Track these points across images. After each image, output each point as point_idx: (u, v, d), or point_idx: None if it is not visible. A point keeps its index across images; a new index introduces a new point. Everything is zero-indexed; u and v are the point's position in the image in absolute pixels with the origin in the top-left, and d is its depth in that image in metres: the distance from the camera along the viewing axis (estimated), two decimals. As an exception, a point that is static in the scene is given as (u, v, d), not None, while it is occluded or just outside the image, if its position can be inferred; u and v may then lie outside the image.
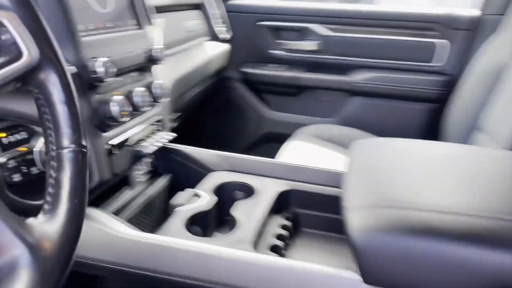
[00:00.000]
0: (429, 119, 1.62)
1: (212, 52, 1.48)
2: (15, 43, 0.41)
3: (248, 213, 0.81)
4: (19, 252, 0.36)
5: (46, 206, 0.41)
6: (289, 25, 1.69)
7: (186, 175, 0.98)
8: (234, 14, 1.69)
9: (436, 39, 1.58)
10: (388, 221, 0.57)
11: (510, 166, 0.75)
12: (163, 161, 0.99)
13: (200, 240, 0.72)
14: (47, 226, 0.39)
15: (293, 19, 1.69)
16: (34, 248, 0.37)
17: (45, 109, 0.43)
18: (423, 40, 1.60)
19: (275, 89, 1.77)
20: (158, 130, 0.95)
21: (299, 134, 1.46)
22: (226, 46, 1.63)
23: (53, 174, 0.42)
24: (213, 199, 0.85)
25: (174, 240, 0.69)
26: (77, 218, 0.41)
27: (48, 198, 0.41)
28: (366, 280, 0.58)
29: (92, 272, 0.68)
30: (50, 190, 0.42)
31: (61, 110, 0.43)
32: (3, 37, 0.40)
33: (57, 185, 0.42)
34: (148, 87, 0.84)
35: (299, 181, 0.93)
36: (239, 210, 0.81)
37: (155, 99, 0.86)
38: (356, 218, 0.59)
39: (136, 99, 0.77)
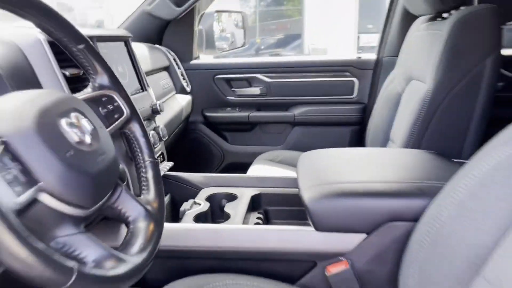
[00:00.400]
0: (354, 138, 2.07)
1: (182, 102, 1.85)
2: (119, 107, 0.77)
3: (235, 211, 1.17)
4: (140, 210, 0.71)
5: (144, 191, 0.76)
6: (240, 76, 2.11)
7: (182, 193, 1.33)
8: (196, 71, 2.09)
9: (349, 77, 2.07)
10: (327, 191, 0.96)
11: (399, 156, 1.19)
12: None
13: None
14: (149, 198, 0.74)
15: (242, 71, 2.11)
16: (147, 209, 0.72)
17: (134, 141, 0.79)
18: (344, 79, 2.09)
19: (232, 127, 2.17)
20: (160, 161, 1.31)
21: (257, 160, 1.85)
22: (189, 97, 2.01)
23: (144, 175, 0.78)
24: (207, 204, 1.20)
25: (192, 225, 1.04)
26: (162, 193, 0.77)
27: (144, 187, 0.77)
28: (317, 229, 0.96)
29: None
30: (144, 183, 0.77)
31: (142, 141, 0.79)
32: (115, 104, 0.77)
33: (147, 180, 0.77)
34: (155, 130, 1.20)
35: (266, 187, 1.31)
36: (229, 208, 1.18)
37: (160, 139, 1.22)
38: (308, 192, 0.97)
39: (152, 139, 1.13)
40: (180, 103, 1.81)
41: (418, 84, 1.47)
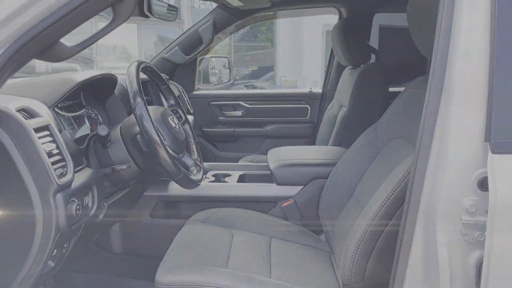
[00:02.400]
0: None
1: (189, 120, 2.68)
2: (181, 115, 1.60)
3: (230, 181, 1.99)
4: (192, 162, 1.53)
5: (192, 154, 1.58)
6: (227, 103, 2.98)
7: None
8: (197, 99, 2.93)
9: (304, 105, 2.97)
10: (283, 163, 1.80)
11: (323, 148, 2.05)
12: None
13: (216, 186, 1.90)
14: (195, 157, 1.57)
15: (229, 100, 2.99)
16: (195, 161, 1.53)
17: (187, 132, 1.62)
18: (300, 106, 2.97)
19: (222, 139, 3.01)
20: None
21: (240, 161, 2.68)
22: (192, 117, 2.84)
23: (192, 147, 1.60)
24: (213, 178, 2.02)
25: (208, 183, 1.85)
26: (200, 155, 1.59)
27: (192, 152, 1.59)
28: (277, 184, 1.79)
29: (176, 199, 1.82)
30: (192, 150, 1.60)
31: (190, 132, 1.63)
32: (178, 114, 1.59)
33: (194, 149, 1.60)
34: (183, 133, 2.03)
35: (247, 170, 2.14)
36: (227, 180, 2.00)
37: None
38: (273, 164, 1.81)
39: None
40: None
41: (343, 108, 2.36)
